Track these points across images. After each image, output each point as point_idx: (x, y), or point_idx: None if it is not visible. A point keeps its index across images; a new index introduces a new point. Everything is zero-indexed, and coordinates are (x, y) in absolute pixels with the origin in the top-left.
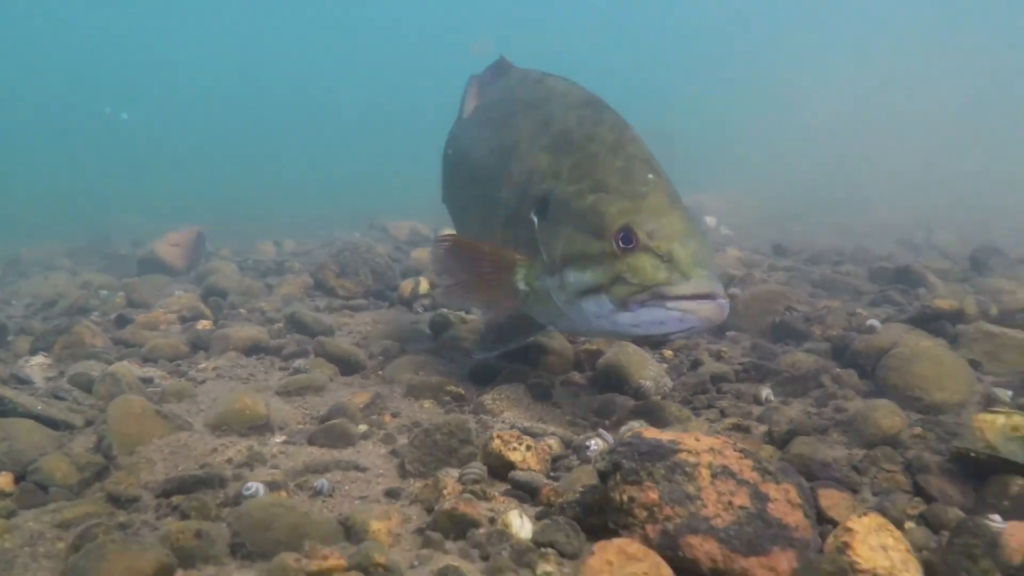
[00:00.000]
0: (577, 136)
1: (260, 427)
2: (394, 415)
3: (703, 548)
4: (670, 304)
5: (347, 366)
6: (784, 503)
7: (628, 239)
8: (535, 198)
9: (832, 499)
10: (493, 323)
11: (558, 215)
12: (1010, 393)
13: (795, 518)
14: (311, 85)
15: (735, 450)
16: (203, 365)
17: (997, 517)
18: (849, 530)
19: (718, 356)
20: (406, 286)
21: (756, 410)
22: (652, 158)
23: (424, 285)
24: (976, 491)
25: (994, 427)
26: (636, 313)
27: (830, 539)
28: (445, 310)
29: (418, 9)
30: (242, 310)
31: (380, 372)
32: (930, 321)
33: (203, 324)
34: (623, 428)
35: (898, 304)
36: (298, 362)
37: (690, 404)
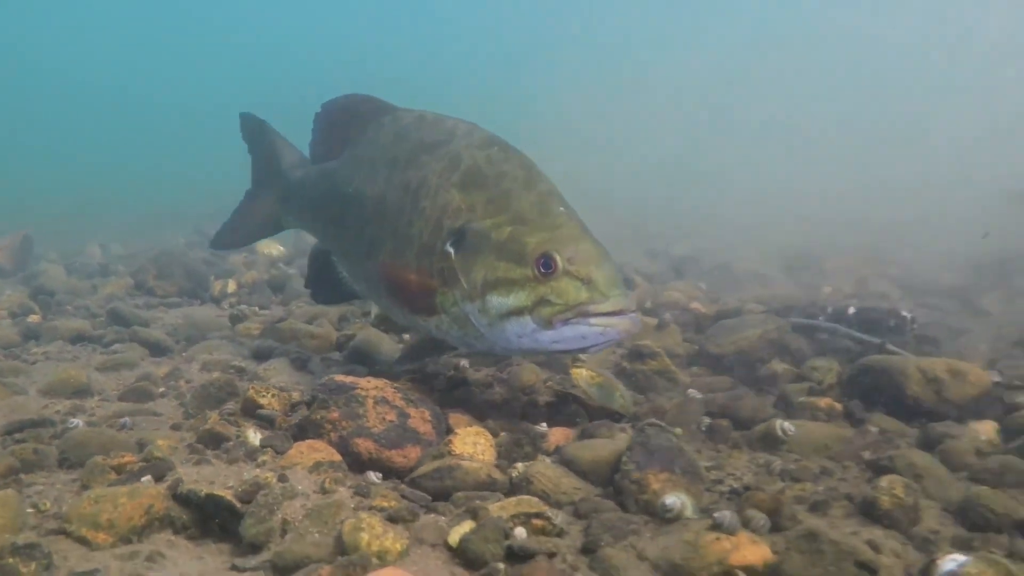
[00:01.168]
0: (488, 173)
1: (82, 392)
2: (188, 381)
3: (364, 445)
4: (593, 321)
5: (157, 349)
6: (419, 419)
7: (548, 264)
8: (450, 231)
9: (457, 420)
10: (414, 340)
11: (476, 246)
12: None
13: (425, 428)
14: (139, 85)
15: (392, 388)
16: (35, 351)
17: (544, 424)
18: (456, 433)
19: None
20: (217, 286)
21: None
22: (560, 193)
23: (232, 286)
24: (555, 415)
25: (581, 377)
26: (559, 331)
27: (446, 440)
28: (246, 307)
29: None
30: (68, 307)
31: (184, 353)
32: None
33: (33, 318)
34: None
35: None
36: (116, 347)
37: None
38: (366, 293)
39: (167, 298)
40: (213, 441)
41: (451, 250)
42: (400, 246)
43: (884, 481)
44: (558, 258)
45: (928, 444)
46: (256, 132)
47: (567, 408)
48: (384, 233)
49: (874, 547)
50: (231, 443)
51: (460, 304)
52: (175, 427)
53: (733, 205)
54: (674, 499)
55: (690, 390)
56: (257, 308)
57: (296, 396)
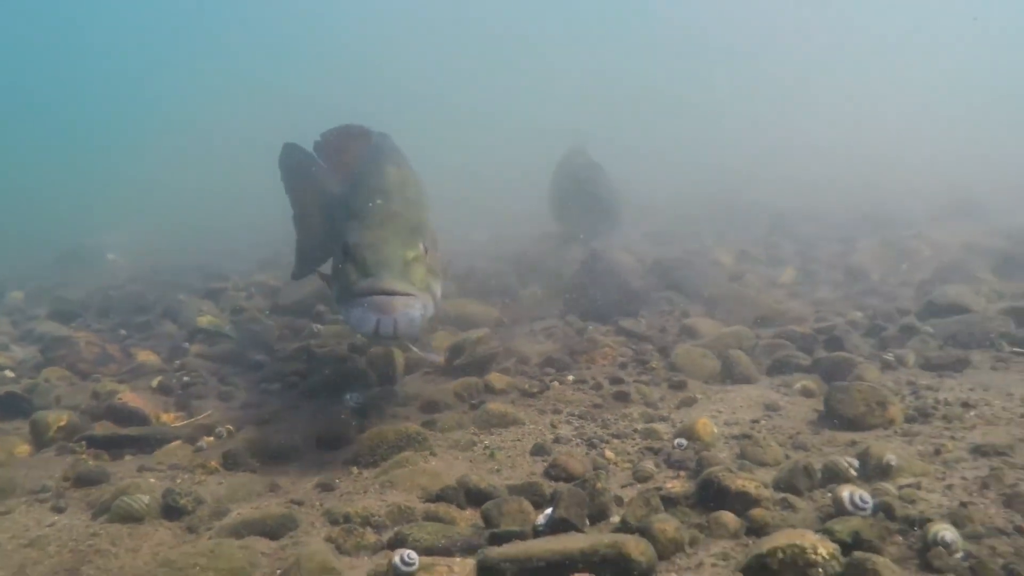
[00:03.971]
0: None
1: None
2: None
3: None
4: (357, 301)
5: None
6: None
7: (345, 250)
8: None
9: None
10: None
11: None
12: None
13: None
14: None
15: None
16: None
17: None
18: None
19: None
20: None
21: None
22: (394, 188)
23: None
24: None
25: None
26: (349, 312)
27: None
28: None
29: None
30: None
31: None
32: None
33: None
34: None
35: None
36: None
37: None
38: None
39: None
40: None
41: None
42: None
43: None
44: (350, 244)
45: None
46: (301, 161)
47: None
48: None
49: None
50: None
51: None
52: None
53: None
54: None
55: None
56: None
57: None
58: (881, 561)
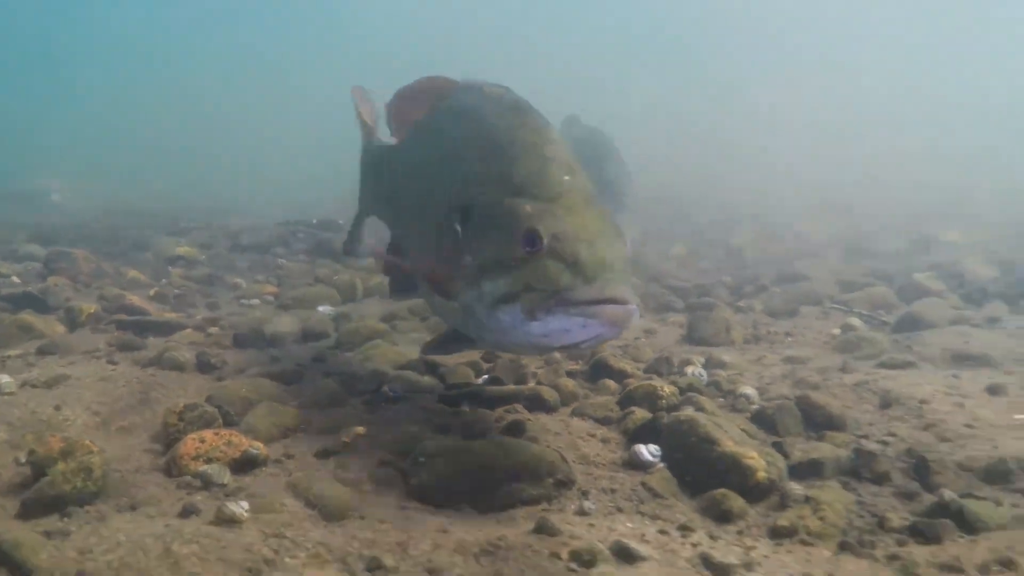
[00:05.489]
0: (502, 141)
1: None
2: None
3: None
4: (572, 311)
5: None
6: None
7: (533, 242)
8: (459, 207)
9: None
10: (442, 329)
11: (478, 223)
12: None
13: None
14: None
15: None
16: None
17: None
18: None
19: None
20: None
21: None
22: (571, 160)
23: None
24: None
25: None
26: (544, 322)
27: None
28: None
29: None
30: None
31: None
32: None
33: None
34: None
35: None
36: None
37: None
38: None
39: None
40: None
41: (458, 228)
42: (427, 223)
43: None
44: (544, 234)
45: None
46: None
47: None
48: (417, 210)
49: None
50: None
51: (465, 291)
52: None
53: None
54: None
55: None
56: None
57: None
58: (704, 398)
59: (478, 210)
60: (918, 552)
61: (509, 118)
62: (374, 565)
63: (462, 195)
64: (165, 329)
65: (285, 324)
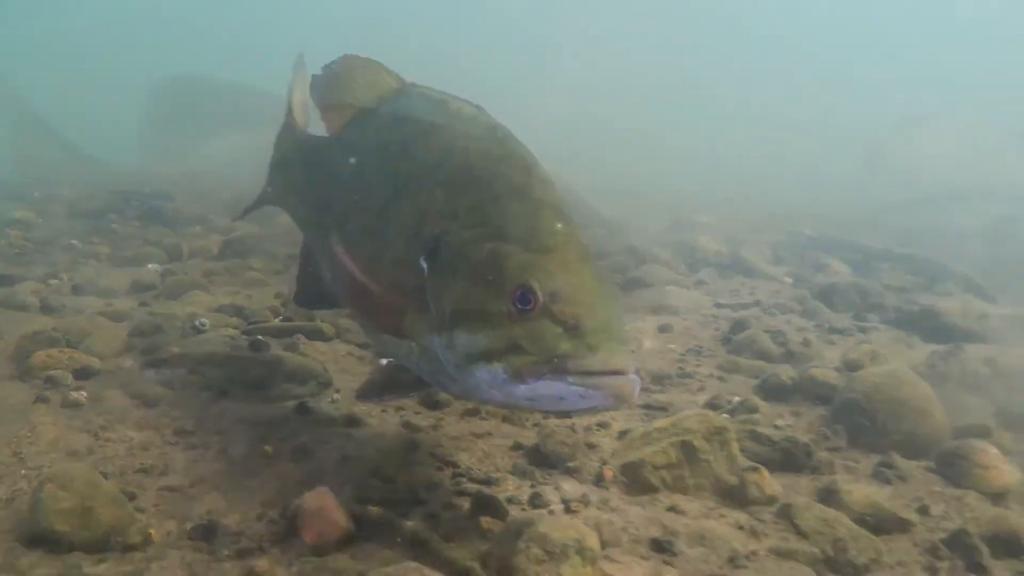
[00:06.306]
0: (479, 172)
1: None
2: None
3: None
4: (572, 380)
5: None
6: None
7: (527, 299)
8: (426, 240)
9: None
10: (385, 369)
11: (451, 263)
12: None
13: None
14: None
15: None
16: None
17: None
18: None
19: None
20: None
21: None
22: (563, 204)
23: None
24: None
25: (20, 214)
26: (533, 387)
27: None
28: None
29: None
30: None
31: None
32: None
33: None
34: None
35: None
36: None
37: None
38: (341, 298)
39: None
40: None
41: (424, 265)
42: (378, 249)
43: None
44: (539, 292)
45: None
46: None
47: None
48: (363, 232)
49: None
50: None
51: (429, 336)
52: None
53: None
54: None
55: None
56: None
57: None
58: None
59: (450, 248)
60: None
61: (488, 145)
62: (178, 429)
63: (427, 225)
64: (8, 281)
65: (117, 278)
